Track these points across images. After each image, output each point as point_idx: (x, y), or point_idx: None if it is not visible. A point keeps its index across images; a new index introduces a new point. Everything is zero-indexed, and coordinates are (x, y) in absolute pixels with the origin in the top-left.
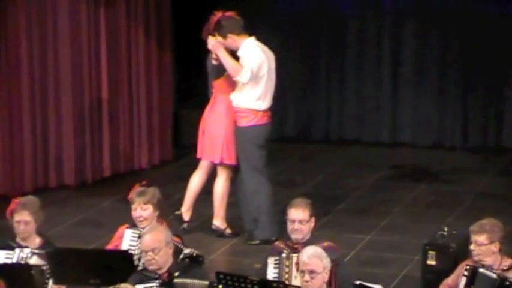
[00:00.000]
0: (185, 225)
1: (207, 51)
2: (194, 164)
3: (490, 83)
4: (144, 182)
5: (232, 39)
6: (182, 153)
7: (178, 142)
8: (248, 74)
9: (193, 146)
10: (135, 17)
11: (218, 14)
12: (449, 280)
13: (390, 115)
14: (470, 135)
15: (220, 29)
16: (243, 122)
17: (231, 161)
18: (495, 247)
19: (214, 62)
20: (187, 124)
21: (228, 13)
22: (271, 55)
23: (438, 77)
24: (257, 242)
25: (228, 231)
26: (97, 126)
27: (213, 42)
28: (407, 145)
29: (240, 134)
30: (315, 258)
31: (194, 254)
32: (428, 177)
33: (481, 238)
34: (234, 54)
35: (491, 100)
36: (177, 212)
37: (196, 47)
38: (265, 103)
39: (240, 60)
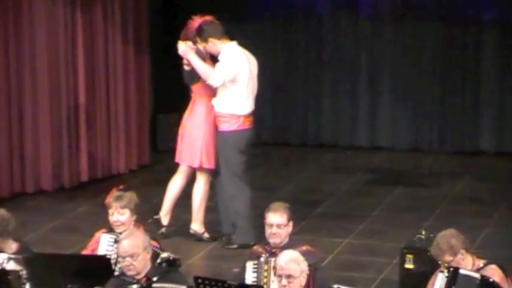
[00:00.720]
0: (163, 230)
1: (179, 57)
2: (172, 169)
3: (466, 87)
4: (121, 187)
5: (213, 44)
6: (160, 157)
7: (156, 146)
8: (220, 78)
9: (171, 151)
10: (112, 21)
11: (196, 19)
12: None
13: (367, 119)
14: (447, 139)
15: (201, 33)
16: (224, 127)
17: (210, 165)
18: (462, 255)
19: (186, 68)
20: (165, 128)
21: (207, 18)
22: (253, 60)
23: (415, 81)
24: (235, 246)
25: (206, 235)
26: (74, 130)
27: (183, 47)
28: (384, 149)
29: (220, 139)
30: (292, 262)
31: (171, 258)
32: (406, 181)
33: (446, 258)
34: (214, 58)
35: (468, 104)
36: (155, 216)
37: (173, 51)
38: (246, 108)
39: (218, 63)
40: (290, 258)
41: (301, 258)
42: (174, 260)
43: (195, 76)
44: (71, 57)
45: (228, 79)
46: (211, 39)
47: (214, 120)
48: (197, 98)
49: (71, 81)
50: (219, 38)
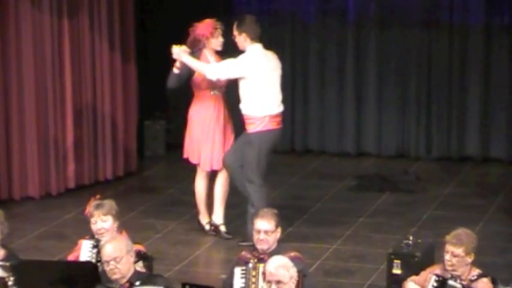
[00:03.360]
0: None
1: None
2: (158, 175)
3: (452, 93)
4: (98, 196)
5: (244, 40)
6: (146, 164)
7: (143, 154)
8: (217, 73)
9: (157, 158)
10: (98, 29)
11: (198, 26)
12: (415, 279)
13: (354, 125)
14: (433, 145)
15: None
16: (250, 129)
17: (192, 159)
18: (469, 258)
19: (175, 71)
20: (152, 135)
21: (208, 21)
22: (276, 63)
23: (401, 88)
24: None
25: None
26: (61, 137)
27: (177, 50)
28: (371, 155)
29: (246, 140)
30: (282, 268)
31: (142, 253)
32: (393, 187)
33: (458, 250)
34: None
35: (454, 110)
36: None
37: (160, 59)
38: (270, 109)
39: (229, 59)
40: (279, 264)
41: (290, 263)
42: (145, 254)
43: (182, 79)
44: (57, 65)
45: (228, 77)
46: (245, 35)
47: (211, 116)
48: (194, 96)
49: (58, 89)
50: (252, 39)
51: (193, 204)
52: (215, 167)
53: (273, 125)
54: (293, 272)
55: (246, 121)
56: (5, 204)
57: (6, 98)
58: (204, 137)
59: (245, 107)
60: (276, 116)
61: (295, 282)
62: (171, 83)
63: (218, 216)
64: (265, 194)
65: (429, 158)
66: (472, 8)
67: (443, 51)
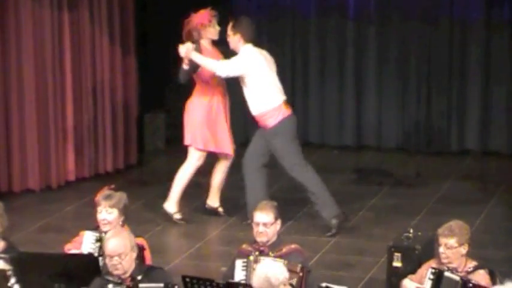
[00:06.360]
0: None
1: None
2: (158, 168)
3: (452, 87)
4: (112, 186)
5: (239, 40)
6: (146, 157)
7: (143, 147)
8: (227, 70)
9: (157, 151)
10: (99, 22)
11: (195, 16)
12: (412, 277)
13: (354, 119)
14: (433, 138)
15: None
16: (271, 122)
17: (187, 141)
18: (464, 249)
19: (185, 67)
20: (152, 129)
21: (203, 12)
22: (270, 57)
23: (401, 81)
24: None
25: (177, 216)
26: (61, 130)
27: (184, 49)
28: (371, 149)
29: (271, 134)
30: (266, 282)
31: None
32: (392, 180)
33: (451, 241)
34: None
35: (454, 104)
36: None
37: (161, 52)
38: (279, 98)
39: (234, 57)
40: (264, 279)
41: (273, 274)
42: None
43: (191, 72)
44: (57, 58)
45: (235, 74)
46: (239, 36)
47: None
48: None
49: (58, 81)
50: (246, 40)
51: (193, 197)
52: (227, 150)
53: (289, 111)
54: (281, 278)
55: (262, 118)
56: (5, 196)
57: (7, 92)
58: (214, 123)
59: (256, 106)
60: (286, 102)
61: (287, 283)
62: (183, 78)
63: (173, 204)
64: (312, 172)
65: (429, 152)
66: (472, 3)
67: (443, 45)
